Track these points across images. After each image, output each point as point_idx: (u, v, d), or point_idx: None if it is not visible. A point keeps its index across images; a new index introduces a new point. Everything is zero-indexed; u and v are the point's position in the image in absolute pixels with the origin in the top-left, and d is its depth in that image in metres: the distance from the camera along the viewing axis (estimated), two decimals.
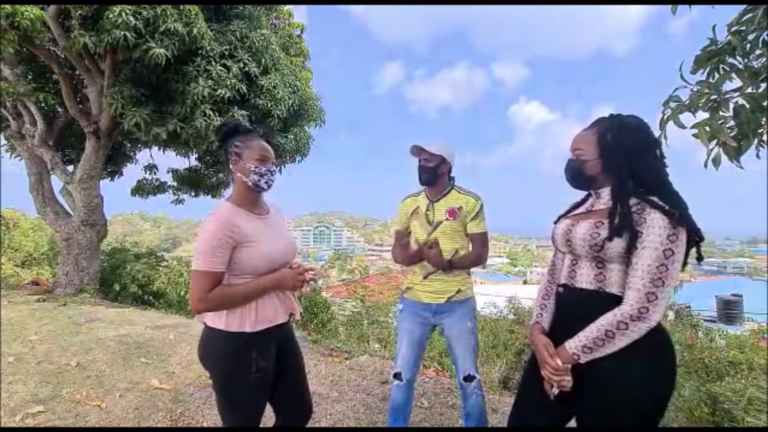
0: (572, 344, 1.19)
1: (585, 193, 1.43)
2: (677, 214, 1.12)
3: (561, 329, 1.29)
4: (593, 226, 1.23)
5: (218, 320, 1.41)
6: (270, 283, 1.45)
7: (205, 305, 1.37)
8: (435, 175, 2.05)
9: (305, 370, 1.72)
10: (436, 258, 1.95)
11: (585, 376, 1.19)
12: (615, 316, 1.14)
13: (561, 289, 1.34)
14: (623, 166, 1.23)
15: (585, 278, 1.26)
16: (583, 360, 1.17)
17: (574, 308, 1.29)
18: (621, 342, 1.13)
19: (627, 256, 1.17)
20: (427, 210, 2.08)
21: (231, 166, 1.49)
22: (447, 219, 2.03)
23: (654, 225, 1.12)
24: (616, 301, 1.19)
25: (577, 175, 1.33)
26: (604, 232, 1.19)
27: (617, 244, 1.16)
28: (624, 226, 1.15)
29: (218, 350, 1.43)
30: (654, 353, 1.18)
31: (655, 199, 1.16)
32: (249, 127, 1.59)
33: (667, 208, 1.13)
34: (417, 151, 2.06)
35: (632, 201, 1.19)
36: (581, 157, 1.30)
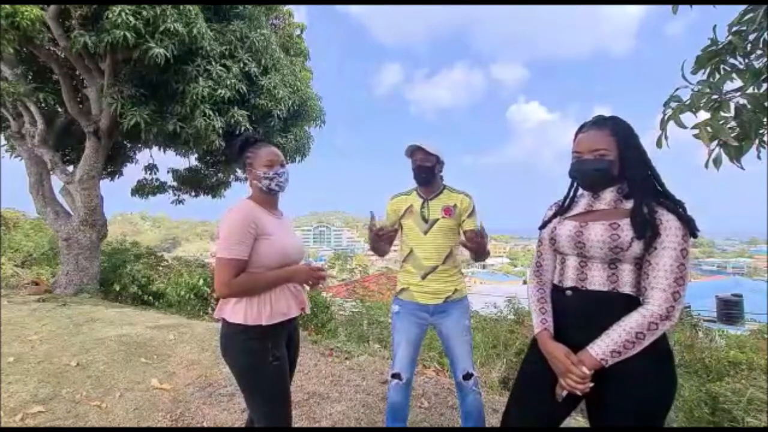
0: (599, 350, 1.16)
1: (566, 191, 1.43)
2: (684, 213, 1.16)
3: (571, 333, 1.27)
4: (610, 228, 1.21)
5: (237, 315, 1.49)
6: (287, 274, 1.57)
7: (230, 290, 1.46)
8: (432, 174, 2.07)
9: (294, 370, 1.80)
10: (480, 241, 1.89)
11: (603, 377, 1.17)
12: (644, 318, 1.13)
13: (569, 293, 1.31)
14: (643, 166, 1.25)
15: (598, 280, 1.25)
16: (609, 364, 1.16)
17: (586, 311, 1.27)
18: (647, 343, 1.14)
19: (641, 257, 1.18)
20: (423, 208, 2.09)
21: (247, 175, 1.64)
22: (443, 217, 2.05)
23: (670, 226, 1.15)
24: (629, 301, 1.19)
25: (603, 175, 1.27)
26: (623, 234, 1.18)
27: (638, 246, 1.17)
28: (647, 227, 1.16)
29: (237, 344, 1.51)
30: (665, 353, 1.20)
31: (663, 199, 1.19)
32: (259, 137, 1.72)
33: (678, 209, 1.16)
34: (412, 151, 2.06)
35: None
36: (606, 157, 1.25)
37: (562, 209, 1.41)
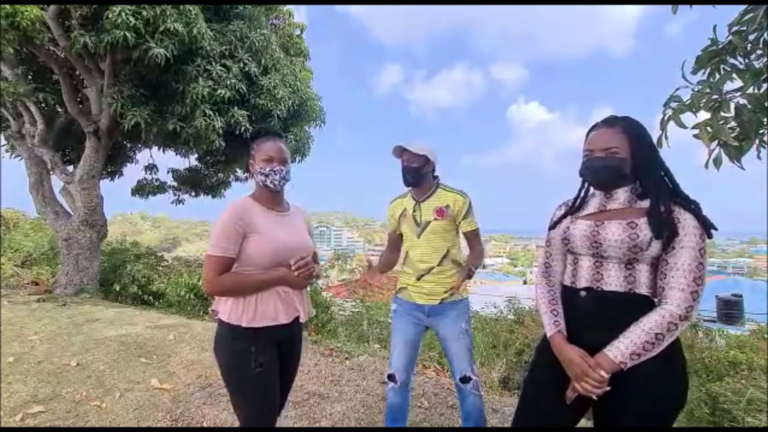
0: (617, 352, 1.13)
1: (577, 191, 1.41)
2: (701, 212, 1.15)
3: (585, 335, 1.25)
4: (628, 228, 1.19)
5: (224, 312, 1.49)
6: (278, 276, 1.50)
7: (214, 287, 1.46)
8: (419, 175, 2.02)
9: (293, 379, 1.74)
10: (463, 275, 1.98)
11: (619, 379, 1.15)
12: (664, 318, 1.11)
13: (584, 293, 1.28)
14: (657, 165, 1.24)
15: (614, 281, 1.22)
16: (628, 367, 1.13)
17: (601, 312, 1.24)
18: (666, 344, 1.12)
19: (658, 257, 1.17)
20: (414, 211, 2.07)
21: (249, 168, 1.62)
22: (435, 219, 2.02)
23: (689, 225, 1.14)
24: (646, 302, 1.18)
25: (613, 173, 1.25)
26: (642, 234, 1.16)
27: (656, 245, 1.16)
28: (666, 227, 1.15)
29: (224, 343, 1.50)
30: (675, 353, 1.18)
31: (679, 199, 1.18)
32: (272, 130, 1.66)
33: (695, 208, 1.15)
34: (400, 152, 2.03)
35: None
36: (617, 155, 1.24)
37: (573, 209, 1.38)
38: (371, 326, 6.25)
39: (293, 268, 1.51)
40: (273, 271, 1.49)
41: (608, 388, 1.15)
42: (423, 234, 2.03)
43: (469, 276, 2.00)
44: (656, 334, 1.11)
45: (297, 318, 1.58)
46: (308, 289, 1.66)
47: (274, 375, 1.53)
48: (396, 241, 2.20)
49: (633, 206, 1.24)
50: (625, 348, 1.13)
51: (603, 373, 1.14)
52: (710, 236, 1.15)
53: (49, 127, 6.89)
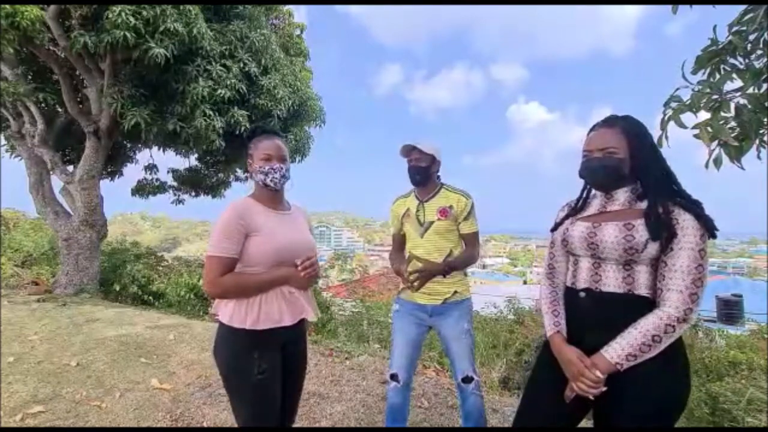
0: (613, 353, 1.13)
1: (579, 193, 1.41)
2: (702, 212, 1.14)
3: (585, 336, 1.25)
4: (624, 229, 1.19)
5: (225, 315, 1.45)
6: (281, 275, 1.47)
7: (215, 289, 1.42)
8: (427, 174, 2.03)
9: (302, 386, 1.69)
10: (432, 270, 1.96)
11: (612, 378, 1.15)
12: (661, 320, 1.11)
13: (583, 294, 1.28)
14: (657, 166, 1.23)
15: (612, 282, 1.22)
16: (624, 368, 1.13)
17: (600, 313, 1.24)
18: (663, 346, 1.11)
19: (657, 258, 1.17)
20: (418, 211, 2.06)
21: (248, 168, 1.60)
22: (438, 219, 2.01)
23: (688, 226, 1.12)
24: (645, 303, 1.17)
25: (612, 174, 1.25)
26: (638, 235, 1.16)
27: (653, 247, 1.15)
28: (664, 228, 1.14)
29: (225, 346, 1.46)
30: (676, 354, 1.18)
31: (680, 199, 1.17)
32: (268, 129, 1.65)
33: (695, 209, 1.14)
34: (407, 151, 2.03)
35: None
36: (615, 155, 1.23)
37: (575, 210, 1.39)
38: (371, 326, 6.25)
39: (300, 267, 1.48)
40: (276, 271, 1.46)
41: (604, 389, 1.15)
42: (426, 234, 2.03)
43: (444, 272, 1.97)
44: (653, 336, 1.10)
45: (301, 320, 1.56)
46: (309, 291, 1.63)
47: (277, 380, 1.50)
48: (401, 241, 2.19)
49: (632, 207, 1.24)
50: (621, 349, 1.13)
51: (598, 373, 1.14)
52: (714, 237, 1.13)
53: (49, 127, 6.89)
